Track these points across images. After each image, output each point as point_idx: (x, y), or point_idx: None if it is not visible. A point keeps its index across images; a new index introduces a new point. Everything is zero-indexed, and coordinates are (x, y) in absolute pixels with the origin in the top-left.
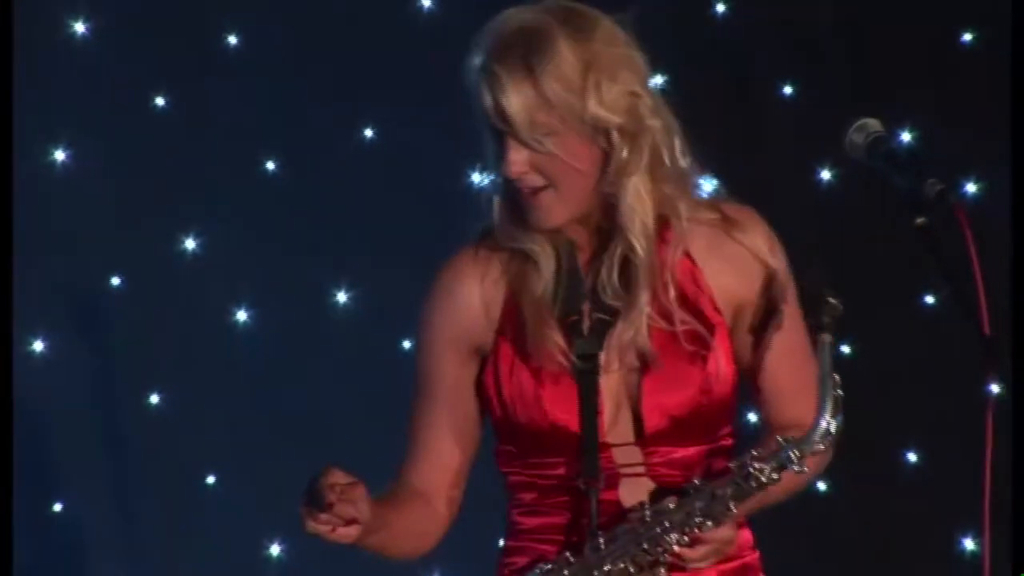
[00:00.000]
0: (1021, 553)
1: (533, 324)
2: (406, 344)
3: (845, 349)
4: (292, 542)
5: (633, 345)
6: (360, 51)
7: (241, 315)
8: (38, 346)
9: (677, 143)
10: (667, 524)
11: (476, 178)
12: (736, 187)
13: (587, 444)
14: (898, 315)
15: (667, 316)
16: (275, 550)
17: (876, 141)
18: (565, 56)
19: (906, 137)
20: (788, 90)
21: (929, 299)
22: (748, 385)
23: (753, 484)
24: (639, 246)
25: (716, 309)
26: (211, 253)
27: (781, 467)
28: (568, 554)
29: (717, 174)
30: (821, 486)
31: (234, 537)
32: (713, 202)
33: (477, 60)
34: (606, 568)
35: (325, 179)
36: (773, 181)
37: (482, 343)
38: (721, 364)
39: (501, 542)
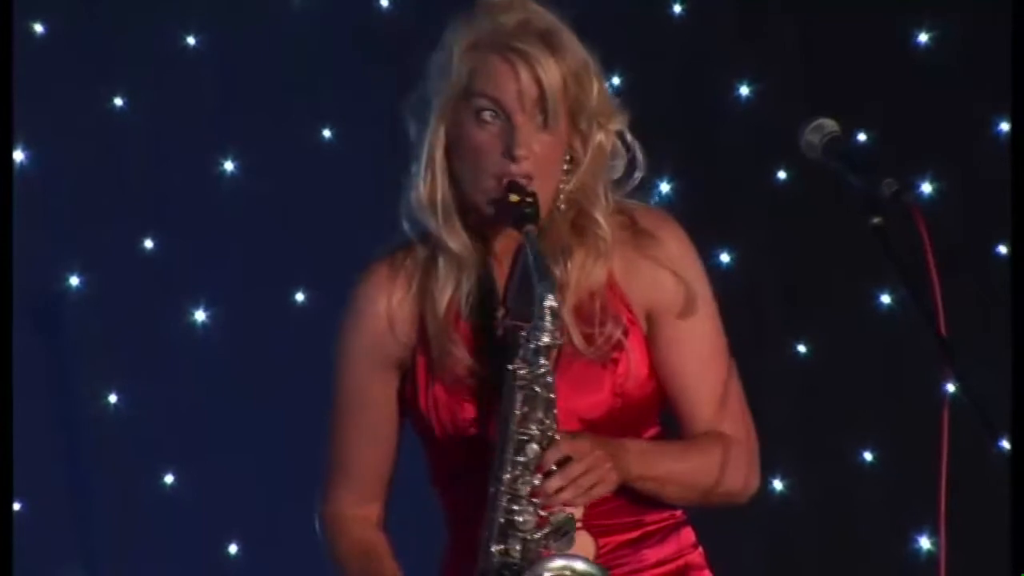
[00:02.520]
0: (1021, 553)
1: (436, 341)
2: None
3: (801, 348)
4: (250, 541)
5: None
6: (318, 52)
7: (200, 315)
8: None
9: (621, 150)
10: (500, 476)
11: None
12: (694, 186)
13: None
14: (854, 314)
15: (587, 320)
16: (233, 549)
17: (832, 141)
18: (574, 46)
19: (862, 137)
20: (745, 90)
21: (885, 298)
22: (666, 397)
23: (536, 386)
24: (603, 240)
25: (630, 311)
26: (170, 253)
27: (536, 353)
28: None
29: (675, 174)
30: (777, 485)
31: (192, 535)
32: (627, 207)
33: (488, 44)
34: (495, 548)
35: (283, 180)
36: (730, 181)
37: (400, 358)
38: (633, 365)
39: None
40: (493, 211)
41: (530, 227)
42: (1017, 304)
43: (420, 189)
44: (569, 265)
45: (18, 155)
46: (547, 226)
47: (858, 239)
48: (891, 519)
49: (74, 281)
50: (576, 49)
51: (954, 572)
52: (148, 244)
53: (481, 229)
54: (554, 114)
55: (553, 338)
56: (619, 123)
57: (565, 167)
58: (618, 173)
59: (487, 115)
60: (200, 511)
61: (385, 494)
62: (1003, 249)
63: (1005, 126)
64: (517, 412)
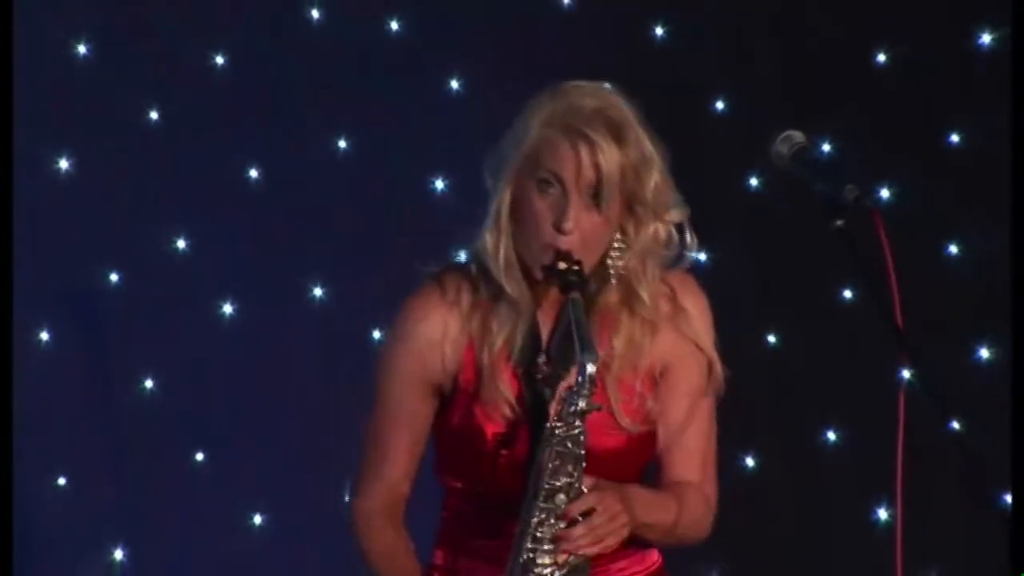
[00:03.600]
0: (1021, 553)
1: (486, 376)
2: (375, 334)
3: (772, 339)
4: (273, 512)
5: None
6: (334, 70)
7: (227, 308)
8: (44, 336)
9: (676, 240)
10: (528, 519)
11: (439, 184)
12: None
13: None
14: (819, 308)
15: (628, 393)
16: (258, 519)
17: (800, 151)
18: (641, 141)
19: (826, 147)
20: (720, 105)
21: (847, 293)
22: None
23: (568, 443)
24: (650, 321)
25: (651, 372)
26: (200, 252)
27: (578, 415)
28: None
29: None
30: (750, 461)
31: (221, 507)
32: (668, 278)
33: (560, 123)
34: None
35: (302, 185)
36: (707, 187)
37: (442, 383)
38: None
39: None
40: (542, 274)
41: (575, 294)
42: (1017, 304)
43: (487, 239)
44: (616, 339)
45: (63, 163)
46: (598, 298)
47: (823, 240)
48: (852, 492)
49: (113, 278)
50: (642, 144)
51: (909, 539)
52: (180, 244)
53: (533, 282)
54: (607, 198)
55: (588, 404)
56: (677, 216)
57: (617, 245)
58: (670, 257)
59: (547, 187)
60: (227, 486)
61: (411, 489)
62: (954, 249)
63: (956, 137)
64: (549, 465)
